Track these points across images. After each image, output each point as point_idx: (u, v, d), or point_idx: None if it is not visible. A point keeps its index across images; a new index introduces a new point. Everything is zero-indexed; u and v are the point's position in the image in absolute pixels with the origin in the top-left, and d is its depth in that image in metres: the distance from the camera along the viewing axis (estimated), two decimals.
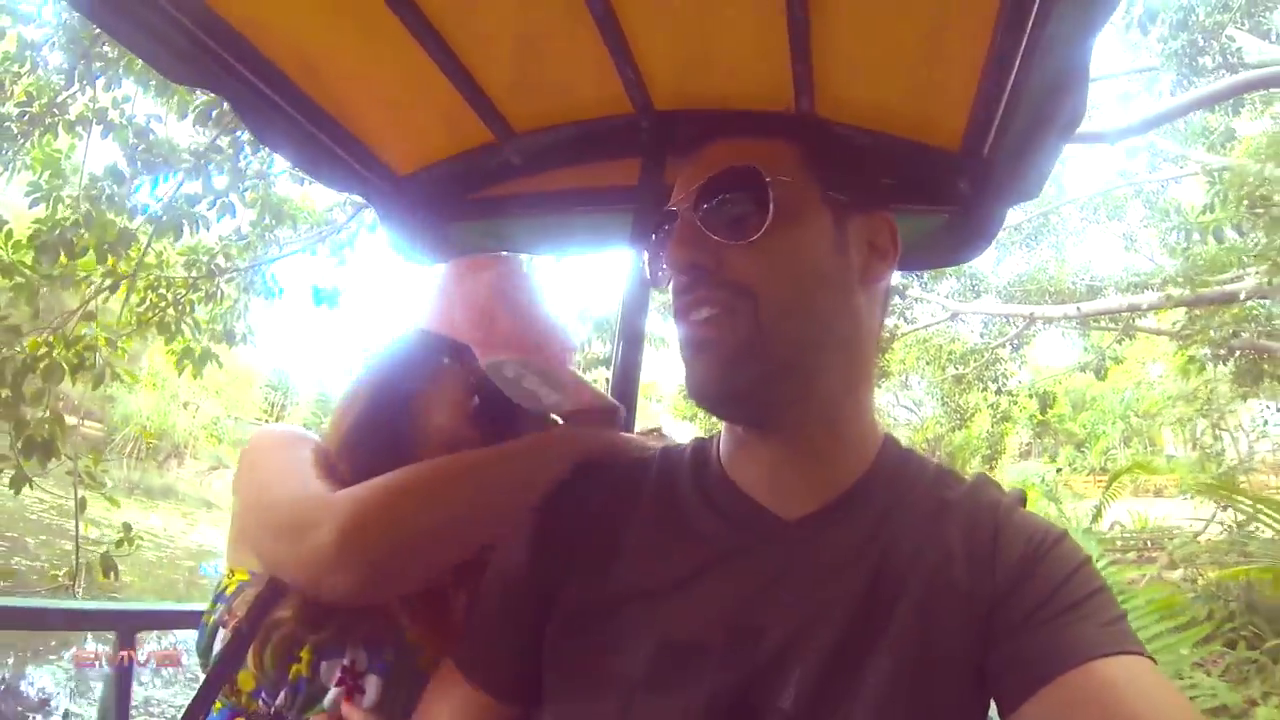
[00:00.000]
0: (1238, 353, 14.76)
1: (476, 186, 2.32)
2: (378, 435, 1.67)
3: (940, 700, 1.13)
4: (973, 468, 25.56)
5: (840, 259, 1.31)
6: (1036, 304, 19.70)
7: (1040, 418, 25.03)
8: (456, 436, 1.67)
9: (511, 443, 1.56)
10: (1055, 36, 1.39)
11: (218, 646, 1.61)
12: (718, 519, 1.35)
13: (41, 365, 7.85)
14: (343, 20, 1.76)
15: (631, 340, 2.16)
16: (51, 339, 8.28)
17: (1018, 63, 1.52)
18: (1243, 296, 14.08)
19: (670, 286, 1.34)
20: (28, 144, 9.18)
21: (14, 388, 7.63)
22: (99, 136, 9.46)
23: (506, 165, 2.18)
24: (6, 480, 7.63)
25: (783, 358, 1.25)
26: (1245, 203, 13.00)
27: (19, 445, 7.47)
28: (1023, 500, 1.34)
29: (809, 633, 1.18)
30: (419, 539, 1.44)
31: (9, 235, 8.51)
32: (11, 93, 9.01)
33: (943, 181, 1.89)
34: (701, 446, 1.50)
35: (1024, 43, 1.47)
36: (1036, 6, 1.42)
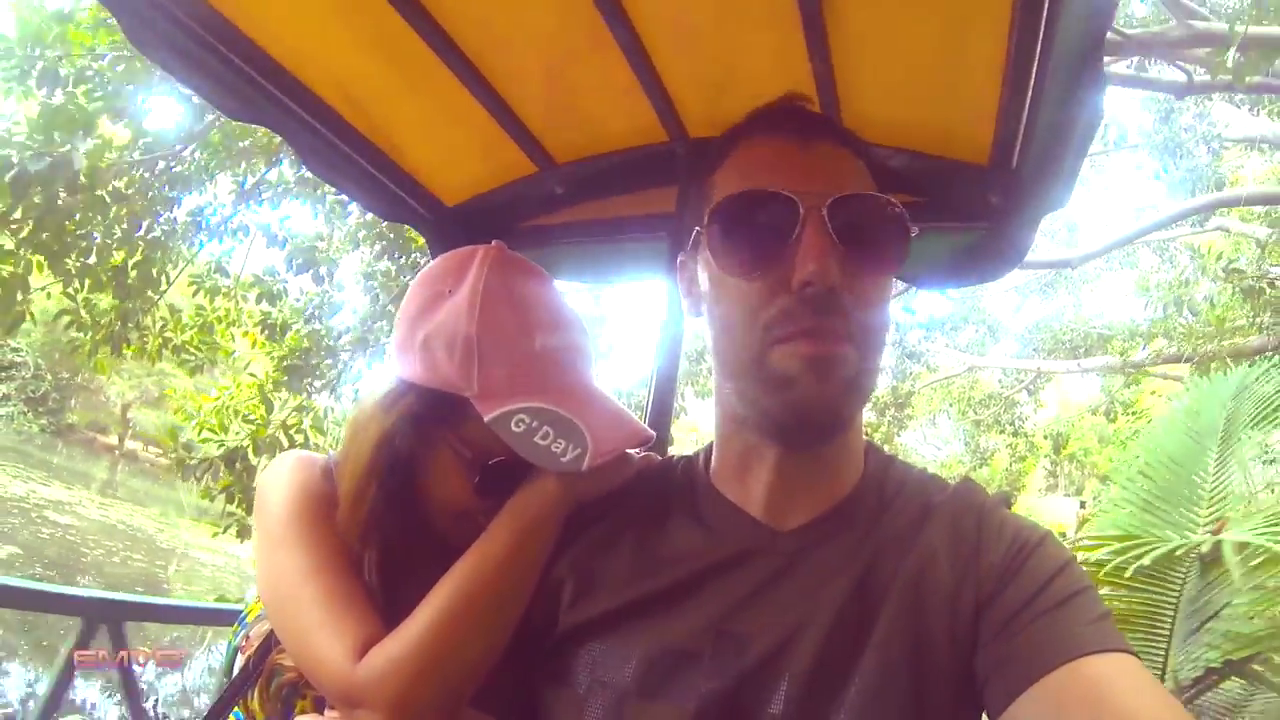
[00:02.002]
0: None
1: (522, 216, 2.26)
2: (391, 516, 1.48)
3: (930, 702, 1.09)
4: None
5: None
6: (1050, 351, 19.96)
7: (1055, 458, 24.89)
8: (466, 507, 1.50)
9: (514, 522, 1.38)
10: (1067, 36, 1.33)
11: (235, 672, 1.56)
12: (707, 532, 1.32)
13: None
14: (384, 57, 1.73)
15: (667, 367, 2.09)
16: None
17: (1034, 69, 1.46)
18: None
19: (772, 294, 1.17)
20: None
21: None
22: (264, 246, 11.12)
23: (550, 195, 2.13)
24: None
25: (868, 393, 1.24)
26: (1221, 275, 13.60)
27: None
28: (1007, 502, 1.29)
29: (798, 638, 1.15)
30: (465, 681, 1.32)
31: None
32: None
33: (973, 196, 1.81)
34: (689, 461, 1.45)
35: (1039, 46, 1.41)
36: (1046, 7, 1.35)
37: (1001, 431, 23.32)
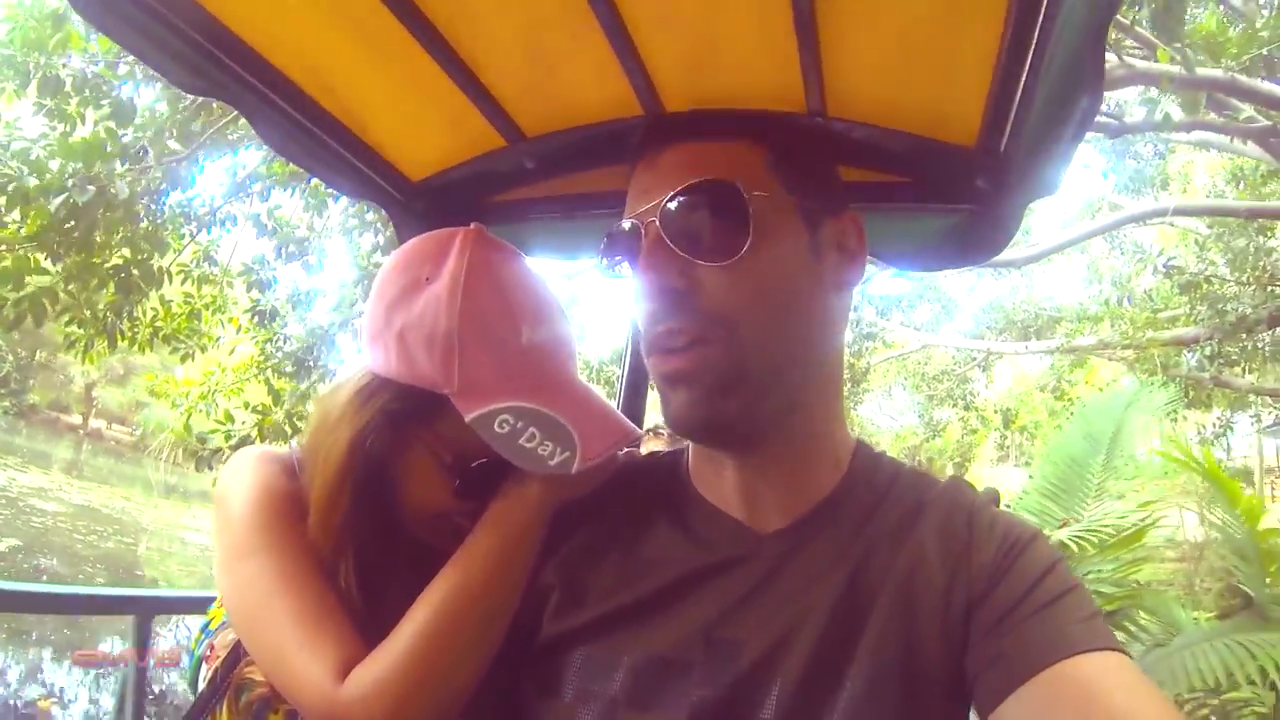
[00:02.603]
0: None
1: (490, 191, 2.17)
2: (366, 522, 1.39)
3: (922, 702, 1.10)
4: (947, 472, 26.84)
5: (815, 268, 1.26)
6: (1002, 330, 21.07)
7: (1004, 431, 25.51)
8: (445, 509, 1.42)
9: (498, 531, 1.33)
10: (1068, 25, 1.26)
11: (201, 684, 1.45)
12: (692, 536, 1.31)
13: None
14: (348, 28, 1.63)
15: (638, 360, 2.06)
16: None
17: (1030, 55, 1.39)
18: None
19: (638, 306, 1.26)
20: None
21: None
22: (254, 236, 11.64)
23: (520, 169, 2.03)
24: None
25: (762, 384, 1.20)
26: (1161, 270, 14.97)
27: None
28: (996, 500, 1.27)
29: (789, 642, 1.15)
30: (454, 699, 1.26)
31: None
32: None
33: (959, 179, 1.73)
34: (670, 461, 1.42)
35: (1036, 33, 1.34)
36: None
37: (954, 406, 24.02)
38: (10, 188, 8.08)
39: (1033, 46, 1.37)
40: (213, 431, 11.52)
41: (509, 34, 1.65)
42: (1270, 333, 14.17)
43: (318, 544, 1.37)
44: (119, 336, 9.99)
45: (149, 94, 9.67)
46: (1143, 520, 7.18)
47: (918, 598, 1.15)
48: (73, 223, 8.55)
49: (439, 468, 1.42)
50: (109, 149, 8.79)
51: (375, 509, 1.41)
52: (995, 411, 26.32)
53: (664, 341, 1.22)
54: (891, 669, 1.10)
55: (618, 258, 1.31)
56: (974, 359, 22.46)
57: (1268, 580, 7.10)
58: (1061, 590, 1.10)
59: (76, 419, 48.07)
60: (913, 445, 30.62)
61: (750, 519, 1.29)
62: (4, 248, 8.72)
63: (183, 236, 10.93)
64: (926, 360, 24.30)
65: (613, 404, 1.55)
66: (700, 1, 1.50)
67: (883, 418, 32.99)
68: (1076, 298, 20.20)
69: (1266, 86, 9.86)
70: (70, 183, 8.22)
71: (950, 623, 1.13)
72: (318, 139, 1.91)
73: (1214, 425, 19.88)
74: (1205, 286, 14.36)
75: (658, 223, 1.21)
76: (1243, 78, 9.39)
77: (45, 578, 18.79)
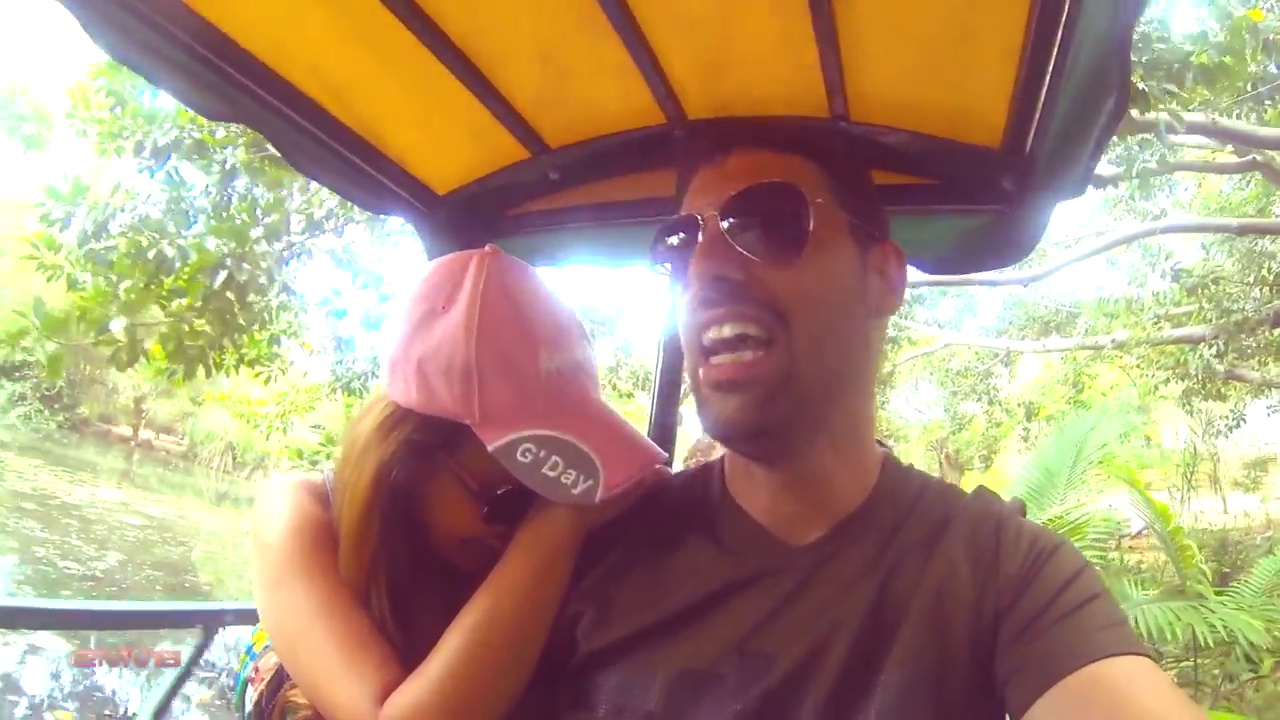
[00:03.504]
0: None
1: (515, 202, 2.14)
2: (395, 552, 1.37)
3: (951, 712, 1.08)
4: (973, 464, 30.24)
5: (860, 289, 1.26)
6: (1023, 326, 21.15)
7: (1026, 424, 25.41)
8: (475, 533, 1.39)
9: (529, 557, 1.30)
10: (1093, 24, 1.21)
11: (248, 706, 1.44)
12: (725, 549, 1.30)
13: None
14: (366, 46, 1.61)
15: (670, 371, 2.05)
16: None
17: (1054, 55, 1.34)
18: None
19: (688, 300, 1.24)
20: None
21: None
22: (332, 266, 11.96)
23: (544, 180, 2.00)
24: None
25: (808, 393, 1.19)
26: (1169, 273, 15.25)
27: None
28: (1022, 510, 1.26)
29: (820, 654, 1.13)
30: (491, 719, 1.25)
31: None
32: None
33: (985, 180, 1.68)
34: (704, 474, 1.39)
35: (1060, 33, 1.29)
36: None
37: (979, 400, 24.12)
38: (151, 254, 8.48)
39: (1056, 46, 1.32)
40: (315, 451, 12.12)
41: (526, 46, 1.62)
42: (1275, 330, 14.36)
43: (350, 575, 1.35)
44: (215, 364, 10.19)
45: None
46: (1085, 516, 8.91)
47: (947, 608, 1.13)
48: (229, 294, 9.11)
49: (466, 494, 1.39)
50: (244, 231, 9.40)
51: (404, 538, 1.38)
52: (1018, 405, 26.21)
53: (712, 326, 1.20)
54: (922, 678, 1.08)
55: (669, 249, 1.30)
56: (996, 355, 22.44)
57: (1181, 564, 9.40)
58: (1087, 597, 1.08)
59: (126, 430, 48.67)
60: (940, 438, 30.91)
61: (781, 532, 1.26)
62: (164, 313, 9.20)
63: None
64: (950, 356, 24.20)
65: (635, 426, 1.51)
66: (718, 8, 1.47)
67: (910, 411, 32.80)
68: (1095, 289, 20.28)
69: (1245, 127, 10.19)
70: (229, 261, 8.87)
71: (980, 631, 1.11)
72: (342, 156, 1.89)
73: (1228, 416, 20.23)
74: (1212, 289, 14.57)
75: (718, 216, 1.20)
76: (1224, 120, 9.75)
77: (159, 588, 19.16)
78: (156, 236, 8.53)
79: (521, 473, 1.28)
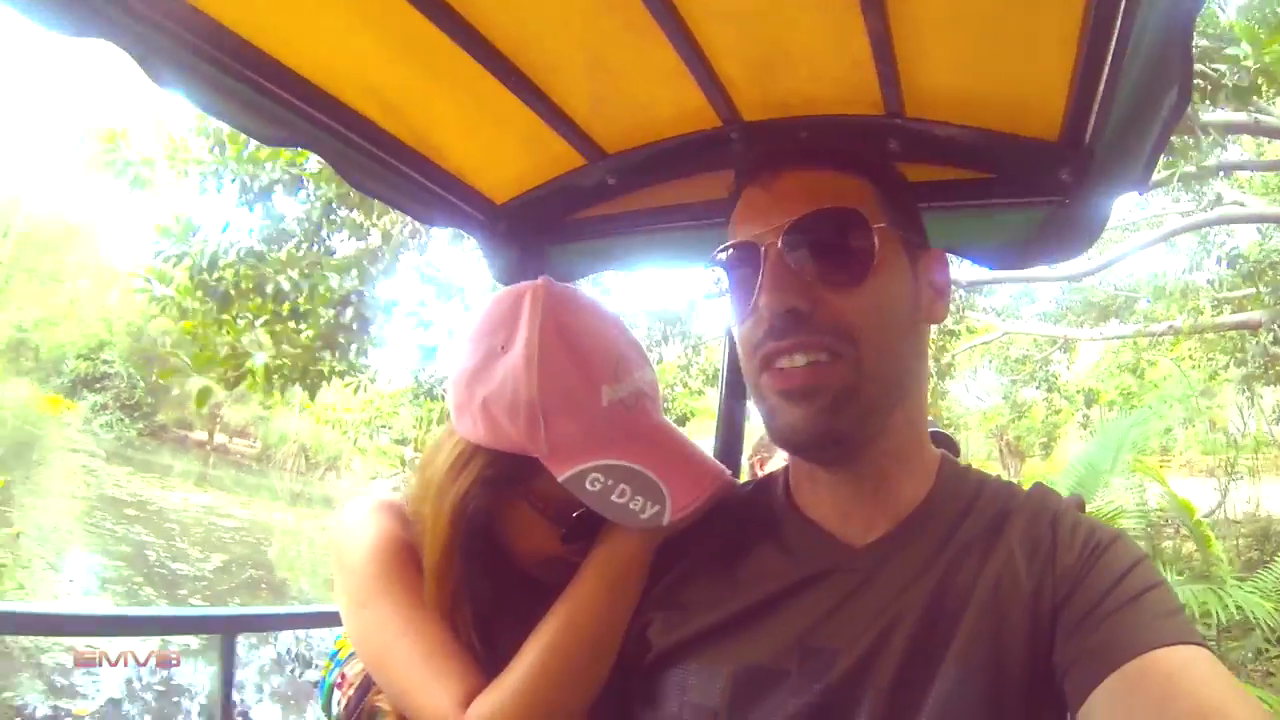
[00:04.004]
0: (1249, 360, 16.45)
1: (573, 209, 2.14)
2: (478, 581, 1.39)
3: (1012, 702, 1.08)
4: (1034, 452, 30.18)
5: (915, 299, 1.27)
6: (1081, 312, 20.97)
7: (1086, 411, 25.07)
8: (554, 553, 1.41)
9: (603, 573, 1.34)
10: (1153, 13, 1.17)
11: (335, 709, 1.50)
12: (789, 551, 1.31)
13: None
14: (416, 61, 1.61)
15: (735, 370, 1.98)
16: None
17: (1113, 46, 1.30)
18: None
19: (752, 325, 1.24)
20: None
21: None
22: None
23: (602, 186, 1.99)
24: None
25: (874, 402, 1.21)
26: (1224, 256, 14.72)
27: None
28: (1080, 506, 1.25)
29: (880, 649, 1.13)
30: None
31: None
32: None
33: (1043, 173, 1.64)
34: (768, 484, 1.45)
35: (1120, 21, 1.26)
36: None
37: (1037, 387, 23.82)
38: (269, 289, 8.99)
39: (1115, 36, 1.29)
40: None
41: (576, 54, 1.62)
42: None
43: (435, 603, 1.37)
44: (322, 380, 10.57)
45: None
46: (1118, 507, 9.86)
47: (1005, 603, 1.12)
48: (354, 326, 9.66)
49: (543, 520, 1.40)
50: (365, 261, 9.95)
51: (485, 568, 1.41)
52: (1078, 391, 25.95)
53: (783, 356, 1.20)
54: (980, 673, 1.08)
55: (730, 273, 1.30)
56: (1055, 342, 22.27)
57: (1207, 551, 10.16)
58: (1144, 587, 1.07)
59: (201, 435, 49.73)
60: (999, 425, 30.56)
61: (844, 533, 1.27)
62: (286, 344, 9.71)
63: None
64: (1009, 344, 23.99)
65: (698, 446, 1.51)
66: (766, 5, 1.44)
67: (970, 398, 32.69)
68: (1151, 275, 19.82)
69: None
70: (353, 297, 9.45)
71: (1038, 626, 1.10)
72: (399, 172, 1.90)
73: None
74: (1269, 274, 14.30)
75: (779, 244, 1.19)
76: (1265, 118, 9.58)
77: (264, 588, 19.93)
78: (273, 271, 9.03)
79: (591, 500, 1.30)
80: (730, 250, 1.28)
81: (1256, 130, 10.11)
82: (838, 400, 1.17)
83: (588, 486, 1.30)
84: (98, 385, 41.58)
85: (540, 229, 2.18)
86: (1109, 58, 1.33)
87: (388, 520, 1.47)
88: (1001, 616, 1.11)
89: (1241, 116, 9.49)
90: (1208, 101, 8.12)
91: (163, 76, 1.42)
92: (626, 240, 2.20)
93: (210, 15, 1.43)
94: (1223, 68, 7.82)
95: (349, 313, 9.30)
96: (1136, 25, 1.23)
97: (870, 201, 1.23)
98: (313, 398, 10.49)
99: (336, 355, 9.93)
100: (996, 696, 1.07)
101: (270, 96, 1.57)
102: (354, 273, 9.57)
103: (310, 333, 9.36)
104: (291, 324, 9.35)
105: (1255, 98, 8.23)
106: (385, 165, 1.86)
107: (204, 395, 9.23)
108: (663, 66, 1.58)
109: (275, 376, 9.49)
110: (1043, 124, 1.57)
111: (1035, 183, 1.68)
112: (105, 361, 42.35)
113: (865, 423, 1.20)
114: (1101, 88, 1.40)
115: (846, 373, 1.17)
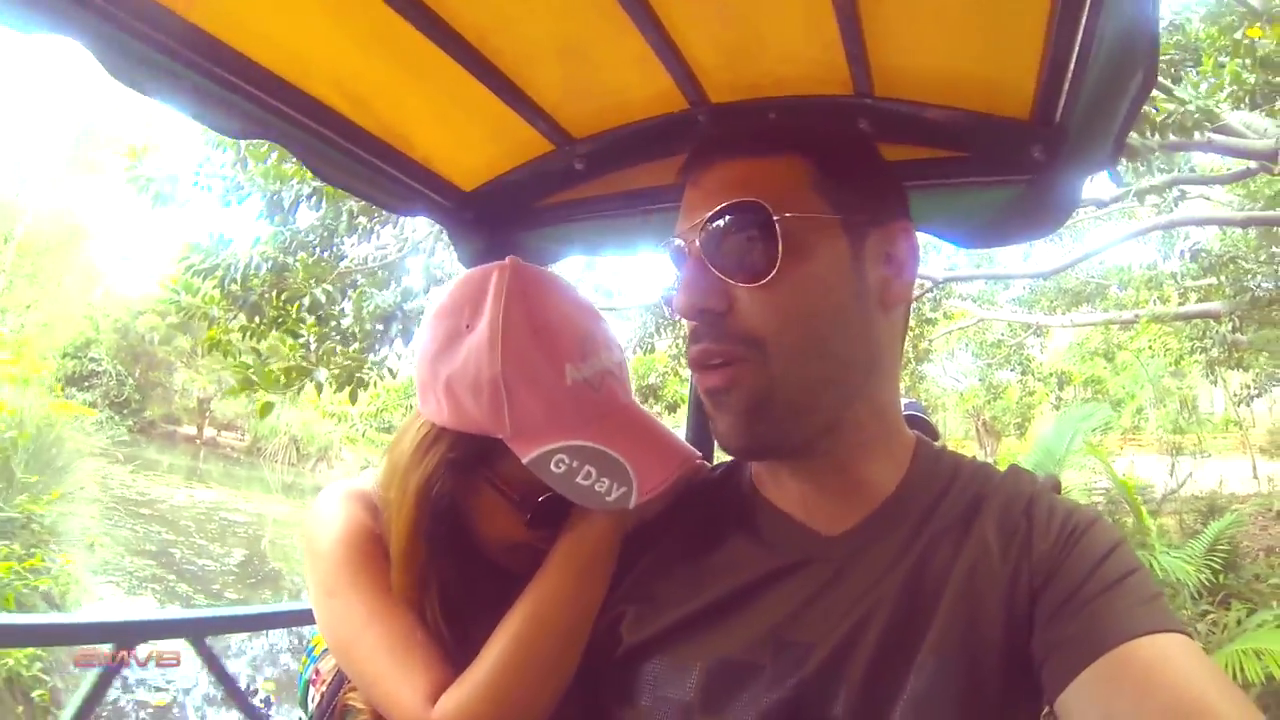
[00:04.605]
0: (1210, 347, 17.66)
1: (543, 194, 2.10)
2: (444, 565, 1.37)
3: (986, 695, 1.05)
4: (1009, 431, 30.64)
5: (857, 285, 1.18)
6: (1054, 299, 21.37)
7: (1059, 393, 25.48)
8: (521, 540, 1.38)
9: (570, 561, 1.31)
10: None
11: (310, 705, 1.49)
12: (759, 541, 1.27)
13: None
14: (381, 51, 1.57)
15: None
16: None
17: (1083, 21, 1.27)
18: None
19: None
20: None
21: None
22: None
23: (569, 171, 1.95)
24: None
25: (796, 406, 1.15)
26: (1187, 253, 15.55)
27: None
28: (1056, 487, 1.16)
29: (855, 642, 1.11)
30: (538, 716, 1.26)
31: None
32: None
33: (1015, 151, 1.61)
34: (733, 471, 1.42)
35: (1088, 2, 1.24)
36: None
37: (1012, 369, 24.64)
38: (305, 301, 9.41)
39: (1084, 15, 1.26)
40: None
41: (545, 40, 1.58)
42: None
43: (402, 590, 1.35)
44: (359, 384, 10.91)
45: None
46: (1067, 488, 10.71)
47: (981, 591, 1.10)
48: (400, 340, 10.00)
49: (508, 504, 1.37)
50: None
51: (451, 552, 1.38)
52: (1051, 374, 26.52)
53: (699, 359, 1.18)
54: (956, 664, 1.06)
55: (671, 276, 1.27)
56: (1028, 328, 22.67)
57: (1140, 522, 11.12)
58: (1123, 573, 1.05)
59: (190, 429, 49.79)
60: (976, 406, 31.14)
61: (814, 523, 1.23)
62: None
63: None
64: (985, 329, 24.26)
65: (668, 427, 1.48)
66: None
67: (947, 380, 33.25)
68: (1119, 264, 20.28)
69: (1239, 144, 10.02)
70: (397, 312, 9.74)
71: (1014, 614, 1.08)
72: (367, 163, 1.86)
73: (1251, 386, 20.86)
74: (1230, 266, 14.75)
75: (697, 243, 1.17)
76: (1219, 137, 9.59)
77: (287, 579, 19.98)
78: (305, 285, 9.45)
79: (556, 482, 1.27)
80: (669, 250, 1.27)
81: (1210, 148, 10.20)
82: (752, 407, 1.14)
83: (552, 468, 1.27)
84: (85, 384, 41.25)
85: (509, 215, 2.15)
86: (1079, 35, 1.30)
87: (356, 509, 1.44)
88: (977, 605, 1.09)
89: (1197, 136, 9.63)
90: (1155, 134, 8.29)
91: (123, 72, 1.37)
92: (596, 225, 2.17)
93: (170, 9, 1.38)
94: (1172, 107, 8.06)
95: (395, 327, 9.69)
96: (1105, 4, 1.20)
97: (799, 185, 1.17)
98: (354, 401, 10.74)
99: (378, 364, 10.26)
100: (973, 687, 1.05)
101: (234, 90, 1.53)
102: (393, 286, 10.05)
103: (358, 345, 9.72)
104: (338, 338, 9.76)
105: (1198, 133, 8.44)
106: (352, 156, 1.82)
107: (266, 408, 9.40)
108: (631, 50, 1.55)
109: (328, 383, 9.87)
110: (1014, 103, 1.55)
111: (1008, 161, 1.65)
112: (93, 359, 42.05)
113: (796, 424, 1.16)
114: (1072, 65, 1.37)
115: (756, 377, 1.13)
